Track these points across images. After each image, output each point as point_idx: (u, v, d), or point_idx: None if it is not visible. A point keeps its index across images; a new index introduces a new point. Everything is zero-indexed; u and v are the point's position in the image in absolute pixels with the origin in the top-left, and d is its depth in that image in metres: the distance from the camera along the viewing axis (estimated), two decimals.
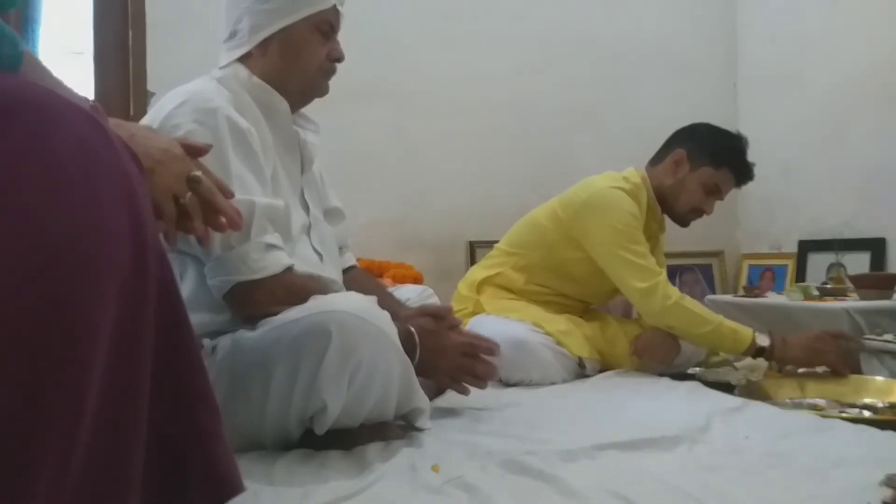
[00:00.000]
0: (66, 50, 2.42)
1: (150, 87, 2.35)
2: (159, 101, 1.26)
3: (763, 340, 1.81)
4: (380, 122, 2.67)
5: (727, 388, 1.70)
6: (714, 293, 2.84)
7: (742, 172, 2.02)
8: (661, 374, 1.87)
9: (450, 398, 1.43)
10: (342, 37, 1.40)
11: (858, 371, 1.78)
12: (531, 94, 2.86)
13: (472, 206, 2.76)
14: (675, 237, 2.36)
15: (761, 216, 2.98)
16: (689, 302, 1.85)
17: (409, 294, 1.59)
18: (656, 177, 2.04)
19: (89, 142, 0.53)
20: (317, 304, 1.11)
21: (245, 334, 1.14)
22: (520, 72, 2.84)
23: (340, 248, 1.54)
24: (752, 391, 1.62)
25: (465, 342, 1.33)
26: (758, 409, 1.44)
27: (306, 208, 1.40)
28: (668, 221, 2.12)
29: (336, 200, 1.57)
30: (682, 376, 1.86)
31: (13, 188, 0.48)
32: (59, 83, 0.73)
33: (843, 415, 1.46)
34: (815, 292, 2.21)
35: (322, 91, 1.41)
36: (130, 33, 2.38)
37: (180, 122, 1.17)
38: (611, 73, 2.96)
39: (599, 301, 2.17)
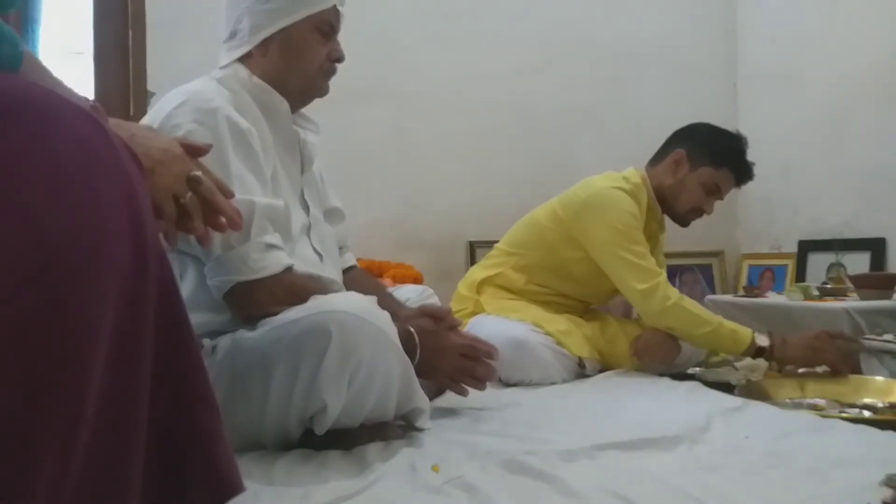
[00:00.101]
0: (66, 50, 2.42)
1: (150, 87, 2.35)
2: (159, 101, 1.26)
3: (762, 340, 1.81)
4: (380, 122, 2.67)
5: (727, 388, 1.70)
6: (714, 293, 2.84)
7: (742, 172, 2.02)
8: (661, 374, 1.87)
9: (450, 398, 1.43)
10: (342, 37, 1.40)
11: (858, 371, 1.78)
12: (531, 94, 2.86)
13: (472, 206, 2.76)
14: (675, 237, 2.36)
15: (761, 216, 2.98)
16: (689, 303, 1.85)
17: (409, 294, 1.59)
18: (656, 177, 2.04)
19: (89, 142, 0.53)
20: (317, 304, 1.11)
21: (245, 334, 1.14)
22: (520, 72, 2.84)
23: (340, 249, 1.54)
24: (752, 391, 1.62)
25: (464, 343, 1.33)
26: (758, 409, 1.44)
27: (306, 208, 1.40)
28: (668, 221, 2.12)
29: (336, 200, 1.57)
30: (682, 376, 1.86)
31: (13, 188, 0.48)
32: (59, 83, 0.73)
33: (843, 415, 1.46)
34: (815, 292, 2.21)
35: (322, 91, 1.41)
36: (130, 33, 2.38)
37: (180, 122, 1.17)
38: (611, 73, 2.96)
39: (599, 301, 2.17)
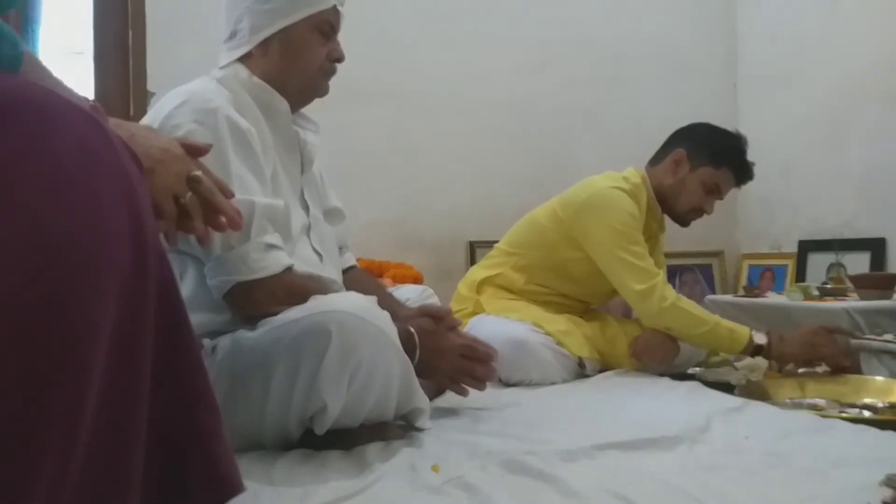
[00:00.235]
0: (66, 50, 2.42)
1: (150, 87, 2.35)
2: (159, 101, 1.26)
3: (760, 339, 1.81)
4: (380, 122, 2.67)
5: (727, 388, 1.70)
6: (714, 293, 2.84)
7: (742, 172, 2.02)
8: (661, 374, 1.87)
9: (450, 398, 1.43)
10: (342, 37, 1.40)
11: (858, 368, 1.78)
12: (531, 94, 2.86)
13: (472, 206, 2.76)
14: (675, 237, 2.36)
15: (761, 216, 2.98)
16: (686, 303, 1.85)
17: (409, 294, 1.59)
18: (656, 177, 2.04)
19: (89, 142, 0.53)
20: (317, 304, 1.11)
21: (245, 334, 1.14)
22: (520, 72, 2.84)
23: (340, 249, 1.54)
24: (752, 391, 1.62)
25: (464, 344, 1.33)
26: (758, 409, 1.44)
27: (306, 208, 1.40)
28: (668, 221, 2.12)
29: (336, 200, 1.57)
30: (682, 376, 1.86)
31: (13, 188, 0.48)
32: (59, 83, 0.73)
33: (843, 415, 1.46)
34: (815, 292, 2.21)
35: (322, 91, 1.41)
36: (130, 33, 2.38)
37: (180, 122, 1.17)
38: (611, 73, 2.96)
39: (599, 301, 2.17)
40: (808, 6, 2.75)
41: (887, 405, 1.55)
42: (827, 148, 2.65)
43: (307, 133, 1.44)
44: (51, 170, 0.50)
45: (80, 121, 0.54)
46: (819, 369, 1.78)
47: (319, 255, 1.36)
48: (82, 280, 0.49)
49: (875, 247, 2.45)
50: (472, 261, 2.65)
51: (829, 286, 2.28)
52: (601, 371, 1.92)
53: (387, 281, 2.15)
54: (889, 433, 1.23)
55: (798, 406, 1.57)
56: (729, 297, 2.51)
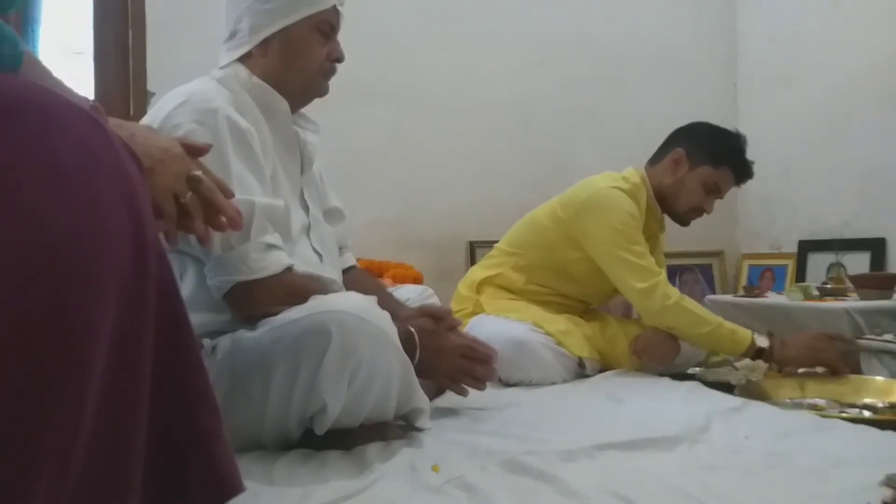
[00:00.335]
0: (66, 50, 2.42)
1: (150, 87, 2.35)
2: (159, 101, 1.26)
3: (762, 342, 1.81)
4: (380, 122, 2.67)
5: (727, 388, 1.70)
6: (714, 293, 2.85)
7: (741, 171, 2.01)
8: (661, 374, 1.87)
9: (450, 398, 1.43)
10: (342, 37, 1.40)
11: (858, 371, 1.78)
12: (531, 93, 2.86)
13: (472, 206, 2.76)
14: (675, 237, 2.36)
15: (761, 216, 2.98)
16: (689, 302, 1.85)
17: (409, 294, 1.59)
18: (656, 176, 2.04)
19: (89, 142, 0.53)
20: (317, 304, 1.11)
21: (245, 334, 1.14)
22: (520, 72, 2.84)
23: (340, 249, 1.54)
24: (752, 391, 1.62)
25: (464, 344, 1.33)
26: (758, 409, 1.44)
27: (306, 208, 1.40)
28: (668, 221, 2.12)
29: (336, 200, 1.57)
30: (682, 376, 1.86)
31: (13, 188, 0.48)
32: (59, 83, 0.73)
33: (843, 415, 1.46)
34: (815, 292, 2.21)
35: (322, 91, 1.41)
36: (130, 33, 2.38)
37: (180, 122, 1.17)
38: (611, 73, 2.96)
39: (599, 301, 2.17)
40: (808, 6, 2.75)
41: (887, 405, 1.55)
42: (827, 148, 2.65)
43: (307, 133, 1.44)
44: (51, 170, 0.50)
45: (80, 121, 0.54)
46: (819, 369, 1.78)
47: (319, 255, 1.36)
48: (82, 280, 0.49)
49: (875, 247, 2.45)
50: (472, 261, 2.65)
51: (829, 286, 2.28)
52: (601, 371, 1.92)
53: (387, 281, 2.15)
54: (889, 433, 1.23)
55: (798, 406, 1.57)
56: (729, 297, 2.51)
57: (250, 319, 1.16)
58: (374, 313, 1.11)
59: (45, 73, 0.72)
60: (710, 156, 1.99)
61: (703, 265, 3.03)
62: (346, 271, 1.53)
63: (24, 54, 0.63)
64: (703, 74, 3.07)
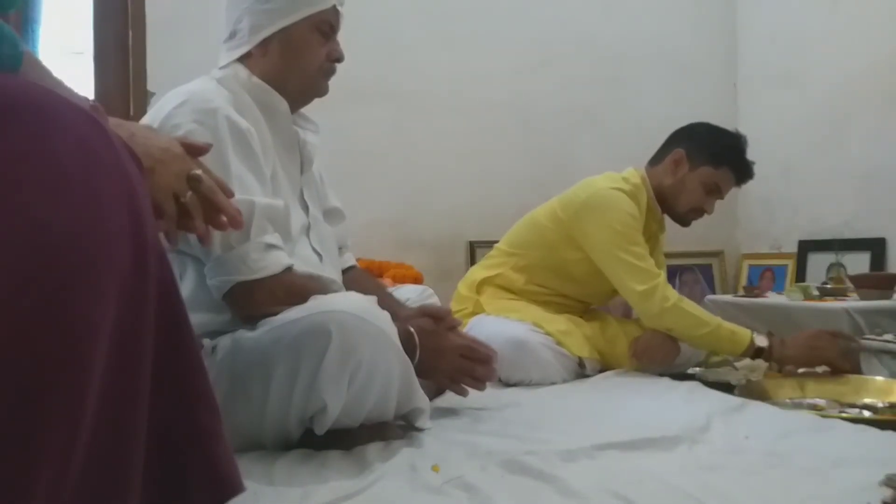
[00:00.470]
0: (66, 50, 2.42)
1: (150, 87, 2.35)
2: (159, 101, 1.26)
3: (761, 341, 1.81)
4: (380, 122, 2.67)
5: (727, 388, 1.70)
6: (714, 293, 2.85)
7: (742, 171, 2.02)
8: (661, 374, 1.87)
9: (450, 398, 1.43)
10: (342, 37, 1.40)
11: (858, 370, 1.78)
12: (531, 93, 2.86)
13: (472, 206, 2.76)
14: (675, 237, 2.36)
15: (761, 216, 2.98)
16: (688, 304, 1.85)
17: (409, 294, 1.59)
18: (656, 177, 2.04)
19: (89, 142, 0.53)
20: (317, 304, 1.11)
21: (245, 334, 1.14)
22: (520, 71, 2.84)
23: (340, 249, 1.54)
24: (752, 391, 1.62)
25: (464, 344, 1.33)
26: (758, 409, 1.44)
27: (306, 208, 1.40)
28: (668, 221, 2.12)
29: (335, 200, 1.57)
30: (682, 376, 1.86)
31: (13, 188, 0.48)
32: (59, 83, 0.73)
33: (843, 415, 1.46)
34: (815, 292, 2.21)
35: (322, 91, 1.41)
36: (130, 33, 2.38)
37: (180, 122, 1.17)
38: (611, 73, 2.96)
39: (599, 301, 2.17)
40: (808, 6, 2.75)
41: (887, 405, 1.55)
42: (827, 148, 2.65)
43: (307, 133, 1.44)
44: (51, 170, 0.50)
45: (80, 121, 0.54)
46: (819, 369, 1.78)
47: (319, 255, 1.36)
48: (82, 280, 0.49)
49: (875, 247, 2.45)
50: (472, 261, 2.65)
51: (829, 286, 2.28)
52: (601, 371, 1.92)
53: (387, 281, 2.15)
54: (889, 433, 1.23)
55: (798, 406, 1.57)
56: (729, 297, 2.51)
57: (250, 319, 1.16)
58: (374, 313, 1.11)
59: (45, 73, 0.72)
60: (710, 156, 1.99)
61: (703, 265, 3.03)
62: (345, 271, 1.53)
63: (24, 54, 0.63)
64: (703, 74, 3.07)
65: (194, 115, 1.18)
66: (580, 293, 2.08)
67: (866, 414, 1.49)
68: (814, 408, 1.54)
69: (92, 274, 0.50)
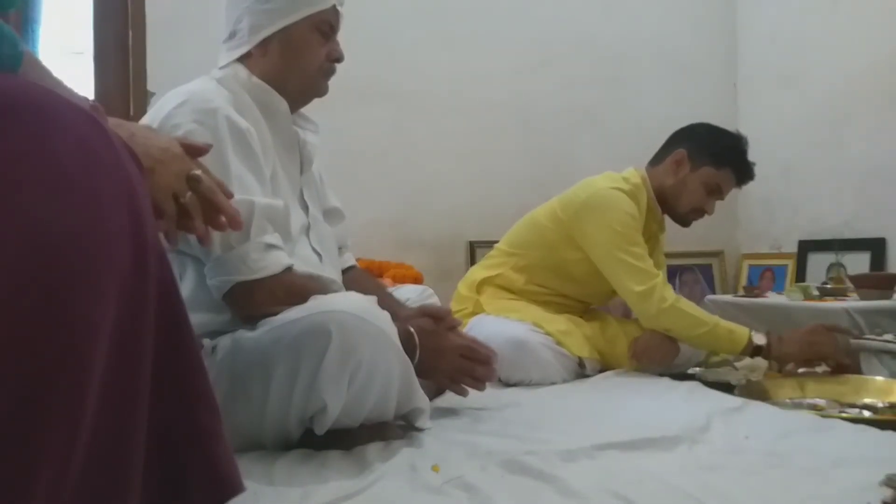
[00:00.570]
0: (66, 50, 2.42)
1: (150, 87, 2.35)
2: (159, 101, 1.26)
3: (760, 339, 1.81)
4: (380, 122, 2.67)
5: (727, 388, 1.70)
6: (714, 293, 2.84)
7: (743, 172, 2.02)
8: (661, 375, 1.87)
9: (450, 398, 1.43)
10: (342, 37, 1.40)
11: (858, 367, 1.78)
12: (531, 93, 2.86)
13: (472, 206, 2.76)
14: (675, 237, 2.36)
15: (761, 216, 2.98)
16: (686, 304, 1.85)
17: (409, 294, 1.59)
18: (657, 177, 2.04)
19: (89, 142, 0.53)
20: (317, 304, 1.11)
21: (245, 334, 1.14)
22: (520, 72, 2.84)
23: (340, 249, 1.54)
24: (752, 391, 1.62)
25: (464, 344, 1.33)
26: (758, 409, 1.44)
27: (305, 208, 1.40)
28: (668, 221, 2.12)
29: (335, 200, 1.57)
30: (682, 376, 1.86)
31: (13, 188, 0.48)
32: (59, 83, 0.73)
33: (843, 415, 1.46)
34: (815, 292, 2.21)
35: (322, 91, 1.41)
36: (130, 33, 2.38)
37: (180, 122, 1.17)
38: (611, 73, 2.96)
39: (599, 301, 2.17)
40: (808, 6, 2.75)
41: (887, 405, 1.55)
42: (827, 148, 2.65)
43: (307, 133, 1.44)
44: (51, 170, 0.50)
45: (80, 121, 0.54)
46: (819, 369, 1.78)
47: (319, 255, 1.36)
48: (82, 280, 0.49)
49: (875, 247, 2.45)
50: (472, 261, 2.65)
51: (829, 286, 2.28)
52: (601, 371, 1.92)
53: (387, 281, 2.15)
54: (889, 433, 1.23)
55: (798, 406, 1.57)
56: (729, 297, 2.51)
57: (250, 319, 1.16)
58: (374, 313, 1.12)
59: (45, 73, 0.72)
60: (712, 156, 1.99)
61: (703, 265, 3.03)
62: (345, 271, 1.53)
63: (24, 54, 0.63)
64: (703, 74, 3.07)
65: (194, 115, 1.18)
66: (580, 293, 2.08)
67: (866, 414, 1.49)
68: (814, 408, 1.54)
69: (92, 274, 0.50)
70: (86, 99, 0.72)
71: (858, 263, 2.46)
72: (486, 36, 2.80)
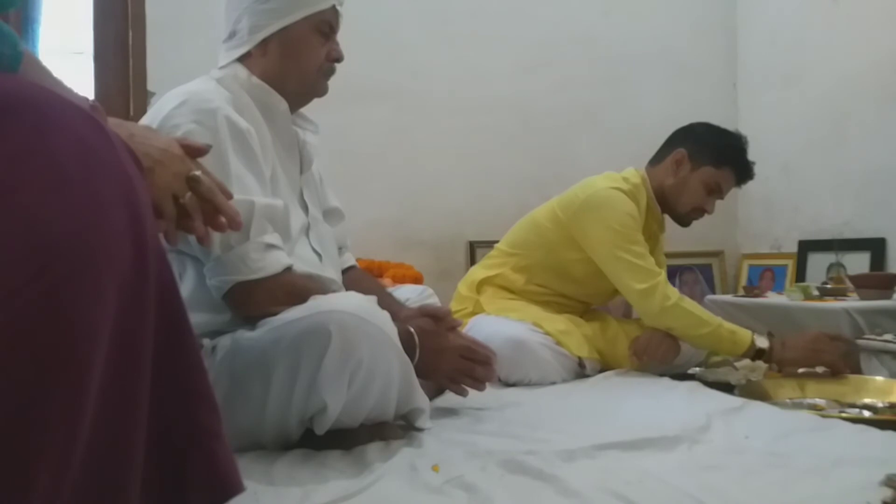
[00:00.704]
0: (66, 50, 2.42)
1: (150, 87, 2.35)
2: (159, 101, 1.26)
3: (762, 342, 1.81)
4: (380, 122, 2.67)
5: (727, 388, 1.70)
6: (714, 293, 2.85)
7: (743, 171, 2.02)
8: (662, 374, 1.87)
9: (450, 398, 1.43)
10: (342, 37, 1.40)
11: (858, 371, 1.78)
12: (531, 93, 2.86)
13: (472, 206, 2.76)
14: (675, 237, 2.36)
15: (761, 216, 2.98)
16: (689, 303, 1.85)
17: (409, 294, 1.59)
18: (657, 177, 2.04)
19: (89, 142, 0.53)
20: (316, 304, 1.11)
21: (245, 334, 1.14)
22: (520, 71, 2.85)
23: (340, 249, 1.54)
24: (752, 391, 1.62)
25: (463, 345, 1.33)
26: (758, 409, 1.44)
27: (305, 208, 1.40)
28: (668, 221, 2.12)
29: (335, 201, 1.57)
30: (682, 376, 1.86)
31: (13, 188, 0.48)
32: (59, 83, 0.73)
33: (843, 415, 1.46)
34: (815, 292, 2.21)
35: (321, 91, 1.41)
36: (130, 33, 2.38)
37: (180, 122, 1.17)
38: (611, 73, 2.96)
39: (599, 301, 2.17)
40: (808, 6, 2.75)
41: (887, 405, 1.55)
42: (827, 148, 2.65)
43: (306, 133, 1.44)
44: (50, 170, 0.50)
45: (79, 120, 0.54)
46: (819, 369, 1.78)
47: (318, 255, 1.36)
48: (82, 280, 0.49)
49: (875, 247, 2.45)
50: (472, 261, 2.65)
51: (829, 286, 2.28)
52: (601, 371, 1.92)
53: (387, 281, 2.16)
54: (889, 433, 1.23)
55: (798, 406, 1.57)
56: (729, 297, 2.51)
57: (250, 319, 1.16)
58: (374, 313, 1.11)
59: (45, 73, 0.71)
60: (712, 156, 1.99)
61: (703, 265, 3.03)
62: (345, 271, 1.53)
63: (24, 54, 0.63)
64: (703, 74, 3.07)
65: (194, 115, 1.18)
66: (580, 293, 2.08)
67: (866, 414, 1.49)
68: (814, 408, 1.54)
69: (92, 274, 0.50)
70: (86, 99, 0.72)
71: (858, 263, 2.46)
72: (486, 36, 2.81)
